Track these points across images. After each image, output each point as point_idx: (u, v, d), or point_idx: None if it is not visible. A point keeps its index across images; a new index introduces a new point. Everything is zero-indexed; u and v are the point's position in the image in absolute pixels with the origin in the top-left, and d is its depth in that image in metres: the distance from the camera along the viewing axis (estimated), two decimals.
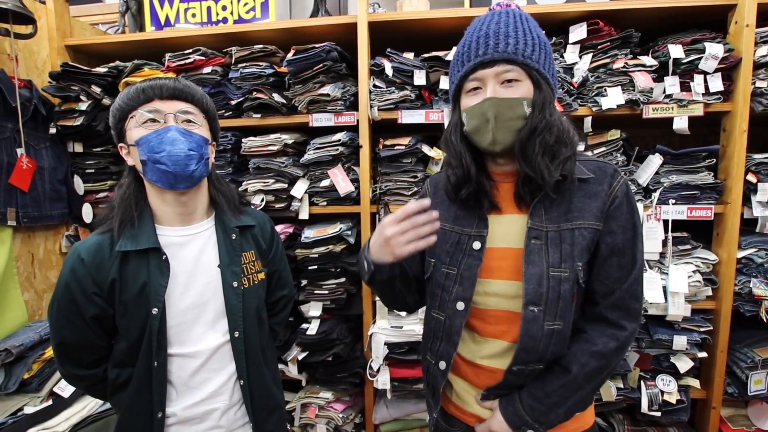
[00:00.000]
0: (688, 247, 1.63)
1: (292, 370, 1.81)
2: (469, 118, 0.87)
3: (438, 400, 0.97)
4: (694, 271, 1.58)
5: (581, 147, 1.64)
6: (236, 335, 1.01)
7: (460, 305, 0.90)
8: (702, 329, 1.60)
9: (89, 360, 0.99)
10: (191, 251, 1.00)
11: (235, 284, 1.02)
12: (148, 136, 0.91)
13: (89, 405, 1.55)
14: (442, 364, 0.93)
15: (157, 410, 0.95)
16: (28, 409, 1.48)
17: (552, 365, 0.87)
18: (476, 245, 0.90)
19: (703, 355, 1.62)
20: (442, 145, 0.96)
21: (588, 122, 1.64)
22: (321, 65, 1.69)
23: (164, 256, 0.95)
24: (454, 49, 1.66)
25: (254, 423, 1.05)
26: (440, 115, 1.69)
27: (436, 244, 0.96)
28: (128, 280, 0.93)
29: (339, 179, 1.74)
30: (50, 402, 1.52)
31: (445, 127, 0.94)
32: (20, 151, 1.74)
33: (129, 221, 0.95)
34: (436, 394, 0.96)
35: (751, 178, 1.54)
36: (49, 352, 1.62)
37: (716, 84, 1.54)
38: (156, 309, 0.93)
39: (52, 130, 1.85)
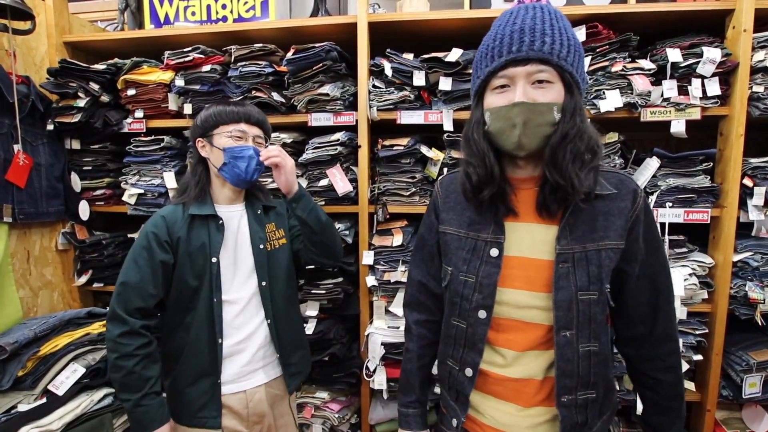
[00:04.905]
0: (684, 250, 1.63)
1: None
2: (493, 119, 0.82)
3: (466, 406, 0.93)
4: (690, 274, 1.58)
5: None
6: (263, 284, 1.32)
7: (482, 314, 0.87)
8: (697, 332, 1.61)
9: (135, 306, 1.17)
10: (233, 223, 1.32)
11: (261, 246, 1.33)
12: (235, 149, 1.24)
13: (83, 403, 1.54)
14: (469, 371, 0.91)
15: (218, 337, 1.24)
16: (22, 407, 1.47)
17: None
18: (494, 252, 0.86)
19: (698, 357, 1.62)
20: (461, 142, 0.92)
21: None
22: (320, 65, 1.69)
23: (221, 221, 1.27)
24: (454, 50, 1.68)
25: (281, 355, 1.33)
26: (439, 116, 1.69)
27: (451, 252, 0.92)
28: (192, 238, 1.24)
29: (337, 179, 1.74)
30: (44, 400, 1.51)
31: (466, 123, 0.91)
32: (17, 147, 1.73)
33: (201, 195, 1.29)
34: (463, 400, 0.93)
35: (748, 182, 1.55)
36: (44, 350, 1.61)
37: (714, 88, 1.55)
38: (215, 258, 1.24)
39: (50, 127, 1.84)
